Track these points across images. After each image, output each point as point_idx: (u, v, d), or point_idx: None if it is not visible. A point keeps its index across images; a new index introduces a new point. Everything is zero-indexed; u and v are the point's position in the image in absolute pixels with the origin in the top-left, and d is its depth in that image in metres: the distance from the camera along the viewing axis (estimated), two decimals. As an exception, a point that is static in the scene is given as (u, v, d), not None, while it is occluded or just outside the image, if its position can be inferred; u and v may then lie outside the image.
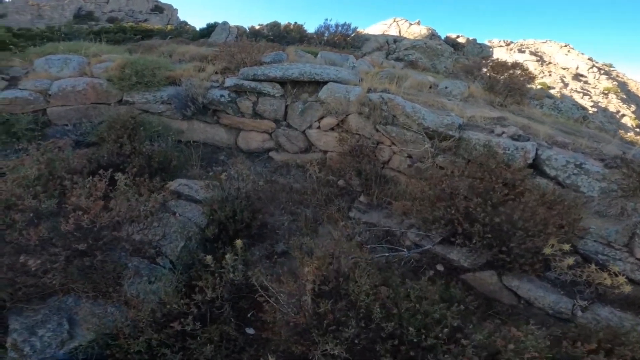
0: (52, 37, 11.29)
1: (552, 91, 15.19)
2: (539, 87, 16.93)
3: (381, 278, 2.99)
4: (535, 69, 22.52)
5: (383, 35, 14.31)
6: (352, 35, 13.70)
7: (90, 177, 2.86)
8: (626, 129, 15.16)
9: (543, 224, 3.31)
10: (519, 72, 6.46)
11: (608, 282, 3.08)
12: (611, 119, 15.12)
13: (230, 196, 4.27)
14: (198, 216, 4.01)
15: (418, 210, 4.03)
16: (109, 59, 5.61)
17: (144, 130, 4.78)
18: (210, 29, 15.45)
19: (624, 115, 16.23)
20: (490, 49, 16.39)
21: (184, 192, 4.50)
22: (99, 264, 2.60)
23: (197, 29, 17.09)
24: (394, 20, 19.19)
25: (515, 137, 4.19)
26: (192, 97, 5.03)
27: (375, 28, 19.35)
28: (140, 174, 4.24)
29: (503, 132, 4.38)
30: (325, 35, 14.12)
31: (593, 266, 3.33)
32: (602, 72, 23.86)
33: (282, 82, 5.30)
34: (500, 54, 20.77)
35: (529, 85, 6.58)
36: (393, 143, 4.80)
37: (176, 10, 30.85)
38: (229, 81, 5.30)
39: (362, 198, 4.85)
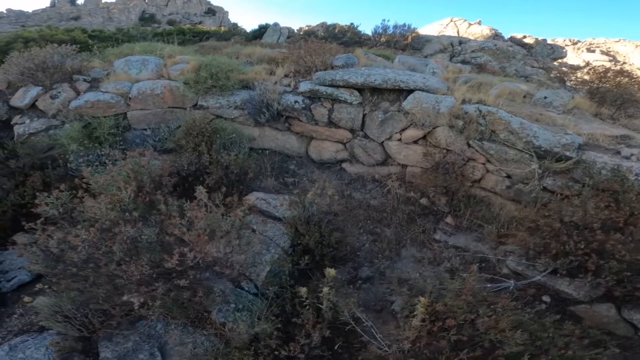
0: (123, 39, 11.71)
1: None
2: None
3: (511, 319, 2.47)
4: (608, 72, 20.24)
5: (446, 36, 13.36)
6: (412, 36, 12.94)
7: (184, 200, 2.60)
8: None
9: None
10: (626, 79, 5.51)
11: None
12: None
13: (314, 216, 3.91)
14: (280, 236, 3.67)
15: (523, 240, 3.45)
16: (182, 61, 5.48)
17: (219, 138, 4.56)
18: (262, 30, 15.39)
19: None
20: (564, 50, 14.81)
21: (262, 207, 4.19)
22: (192, 293, 2.33)
23: (248, 30, 17.16)
24: (451, 20, 18.02)
25: (654, 163, 3.42)
26: (267, 103, 4.73)
27: (430, 28, 18.31)
28: (218, 186, 4.01)
29: (632, 155, 3.63)
30: (383, 36, 13.47)
31: None
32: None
33: (360, 89, 4.84)
34: (570, 56, 18.83)
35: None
36: (488, 161, 4.19)
37: (227, 12, 31.48)
38: (304, 86, 4.94)
39: (448, 219, 4.30)
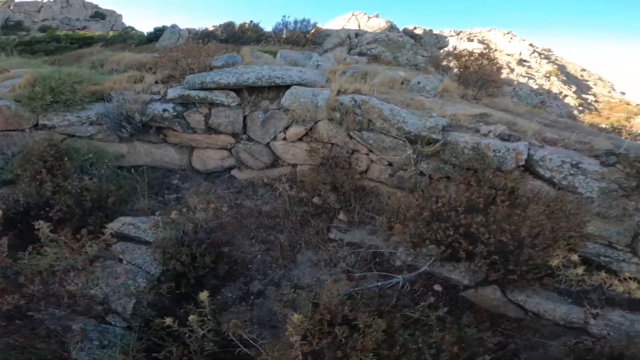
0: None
1: (503, 79, 15.35)
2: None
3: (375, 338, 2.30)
4: (485, 57, 22.90)
5: (344, 30, 13.59)
6: (312, 31, 12.86)
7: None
8: (570, 108, 15.63)
9: (552, 237, 2.80)
10: (486, 61, 6.02)
11: (620, 289, 2.69)
12: (556, 100, 15.58)
13: (187, 235, 3.41)
14: (150, 262, 3.17)
15: (405, 231, 3.42)
16: (18, 75, 4.42)
17: (69, 161, 3.73)
18: (159, 32, 13.96)
19: (566, 95, 16.82)
20: (446, 39, 16.23)
21: (130, 233, 3.61)
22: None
23: (145, 34, 15.44)
24: (353, 14, 18.52)
25: (505, 137, 3.65)
26: (127, 115, 4.02)
27: (334, 23, 18.60)
28: (68, 217, 3.28)
29: (490, 132, 3.84)
30: (284, 33, 13.17)
31: (603, 273, 2.94)
32: (542, 56, 24.78)
33: (238, 89, 4.42)
34: (453, 44, 20.83)
35: (500, 76, 6.16)
36: (370, 151, 4.13)
37: (120, 15, 28.11)
38: (172, 92, 4.34)
39: (341, 215, 4.15)
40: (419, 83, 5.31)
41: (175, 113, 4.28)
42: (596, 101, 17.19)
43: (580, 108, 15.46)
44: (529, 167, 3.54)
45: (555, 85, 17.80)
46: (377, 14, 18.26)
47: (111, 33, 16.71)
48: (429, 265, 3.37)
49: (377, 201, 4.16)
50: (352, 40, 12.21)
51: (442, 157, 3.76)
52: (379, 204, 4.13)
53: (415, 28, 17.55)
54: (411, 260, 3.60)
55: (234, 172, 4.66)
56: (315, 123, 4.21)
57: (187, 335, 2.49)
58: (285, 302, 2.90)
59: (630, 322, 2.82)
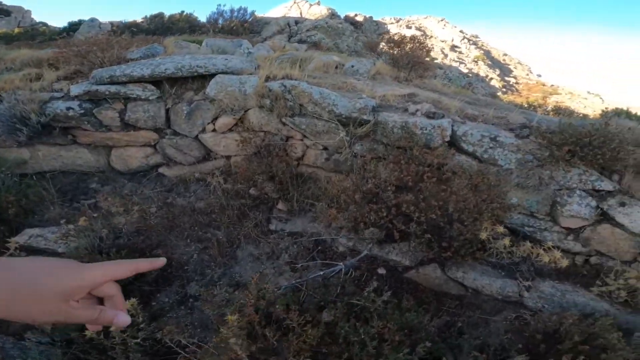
0: None
1: (435, 62, 16.11)
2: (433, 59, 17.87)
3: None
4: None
5: (284, 18, 13.19)
6: (250, 20, 12.30)
7: None
8: (495, 89, 16.88)
9: (477, 211, 2.90)
10: (417, 45, 6.15)
11: (546, 259, 2.83)
12: (483, 82, 16.75)
13: (104, 242, 3.03)
14: None
15: (340, 216, 3.35)
16: None
17: (-51, 172, 3.11)
18: (75, 27, 12.45)
19: (491, 78, 18.15)
20: (386, 26, 16.54)
21: (39, 245, 3.17)
22: None
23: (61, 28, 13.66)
24: (294, 2, 18.10)
25: (430, 115, 3.72)
26: (22, 116, 3.44)
27: (276, 11, 18.05)
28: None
29: (417, 110, 3.89)
30: (220, 22, 12.44)
31: (528, 244, 3.07)
32: (471, 42, 26.44)
33: (158, 82, 4.00)
34: (393, 31, 21.36)
35: (427, 58, 6.33)
36: (305, 136, 3.99)
37: (28, 11, 24.62)
38: (76, 88, 3.78)
39: (280, 205, 4.00)
40: (352, 67, 5.26)
41: (82, 111, 3.75)
42: (517, 83, 18.80)
43: (504, 89, 16.79)
44: (454, 143, 3.65)
45: (482, 69, 19.13)
46: (319, 1, 18.07)
47: (16, 30, 14.52)
48: (369, 249, 3.35)
49: (316, 187, 4.06)
50: (292, 28, 11.90)
51: (375, 138, 3.75)
52: (318, 190, 4.03)
53: (356, 15, 17.66)
54: (352, 245, 3.55)
55: (162, 170, 4.26)
56: (245, 112, 3.97)
57: (110, 346, 2.24)
58: (221, 302, 2.71)
59: (561, 293, 2.95)
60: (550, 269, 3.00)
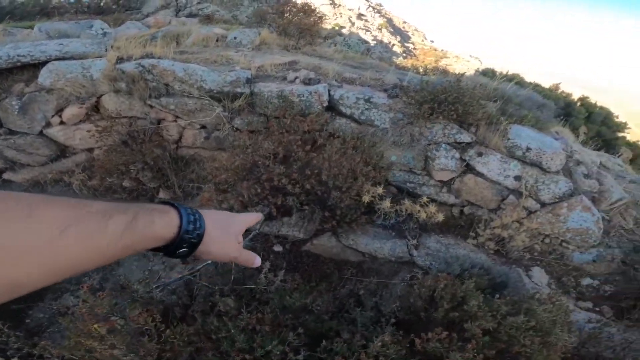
0: None
1: (344, 30, 16.14)
2: (335, 27, 17.72)
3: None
4: (329, 12, 23.57)
5: (166, -12, 11.54)
6: (126, -8, 10.50)
7: None
8: (397, 55, 17.63)
9: (352, 175, 2.86)
10: (303, 13, 5.85)
11: (423, 215, 2.95)
12: (386, 49, 17.40)
13: None
14: None
15: (230, 195, 3.07)
16: None
17: None
18: None
19: (394, 45, 18.93)
20: (284, -4, 15.70)
21: None
22: None
23: None
24: (181, -28, 15.96)
25: (307, 82, 3.55)
26: None
27: (161, -18, 15.74)
28: None
29: (296, 78, 3.68)
30: (87, 2, 10.37)
31: (407, 202, 3.16)
32: (375, 10, 27.02)
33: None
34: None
35: (321, 25, 6.09)
36: (177, 117, 3.52)
37: None
38: None
39: (161, 194, 3.55)
40: (235, 38, 4.78)
41: None
42: (414, 48, 19.95)
43: (404, 54, 17.67)
44: (333, 107, 3.57)
45: (386, 36, 19.82)
46: (213, -29, 16.27)
47: None
48: (258, 227, 3.16)
49: (200, 168, 3.68)
50: (179, 1, 10.53)
51: (255, 110, 3.47)
52: (203, 171, 3.66)
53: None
54: (244, 225, 3.33)
55: (7, 176, 3.42)
56: (98, 98, 3.31)
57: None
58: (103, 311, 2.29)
59: (445, 247, 3.07)
60: (434, 223, 3.08)
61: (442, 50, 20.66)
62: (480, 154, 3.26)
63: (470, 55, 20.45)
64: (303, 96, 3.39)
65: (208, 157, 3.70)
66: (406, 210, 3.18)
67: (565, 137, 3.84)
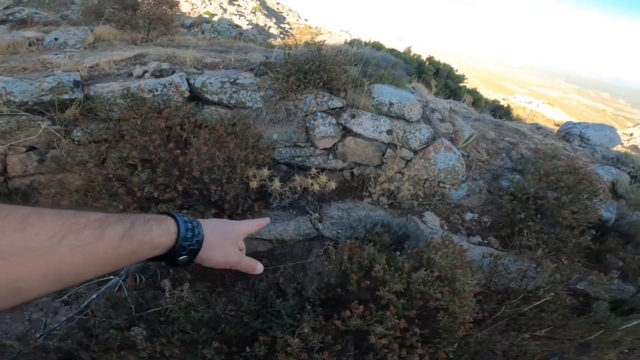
0: None
1: (215, 18, 15.06)
2: (207, 15, 16.45)
3: None
4: (198, 1, 21.74)
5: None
6: None
7: None
8: (275, 36, 17.46)
9: (229, 164, 2.62)
10: (152, 2, 5.10)
11: (316, 186, 2.90)
12: (262, 31, 17.06)
13: None
14: None
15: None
16: None
17: None
18: None
19: (270, 27, 18.68)
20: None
21: None
22: None
23: None
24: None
25: (157, 74, 3.09)
26: None
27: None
28: None
29: (145, 72, 3.18)
30: None
31: (297, 177, 3.08)
32: (246, -5, 26.07)
33: None
34: None
35: (175, 13, 5.40)
36: (-8, 145, 2.69)
37: None
38: None
39: None
40: (56, 40, 3.87)
41: None
42: (291, 28, 20.09)
43: (282, 35, 17.62)
44: (198, 96, 3.21)
45: (261, 19, 19.36)
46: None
47: None
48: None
49: (45, 198, 2.93)
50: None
51: (98, 117, 2.87)
52: (49, 201, 2.92)
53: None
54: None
55: None
56: None
57: None
58: None
59: (347, 213, 3.06)
60: (331, 192, 3.04)
61: (317, 27, 21.31)
62: (353, 116, 3.37)
63: (341, 30, 21.59)
64: (157, 90, 2.94)
65: (55, 183, 2.96)
66: (300, 185, 3.11)
67: (420, 90, 4.27)
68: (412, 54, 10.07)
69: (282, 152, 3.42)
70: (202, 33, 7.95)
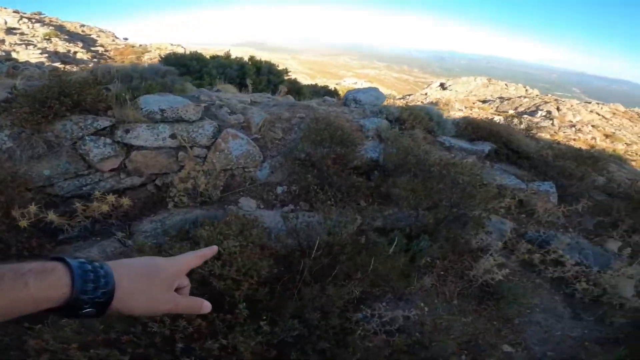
0: None
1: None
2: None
3: None
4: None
5: None
6: None
7: None
8: (85, 62, 15.33)
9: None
10: None
11: (105, 207, 2.78)
12: (66, 58, 14.66)
13: None
14: None
15: None
16: None
17: None
18: None
19: (76, 52, 16.15)
20: None
21: None
22: None
23: None
24: None
25: None
26: None
27: None
28: None
29: None
30: None
31: (78, 204, 2.88)
32: (34, 20, 21.57)
33: None
34: None
35: None
36: None
37: None
38: None
39: None
40: None
41: None
42: (106, 50, 17.85)
43: (95, 59, 15.52)
44: None
45: (60, 45, 16.44)
46: None
47: None
48: None
49: None
50: None
51: None
52: None
53: None
54: None
55: None
56: None
57: None
58: None
59: (161, 223, 3.04)
60: (141, 208, 3.05)
61: (141, 45, 19.49)
62: (127, 131, 3.39)
63: (172, 44, 20.43)
64: None
65: None
66: (84, 210, 2.97)
67: (207, 91, 4.59)
68: (232, 57, 10.50)
69: (64, 187, 3.20)
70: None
